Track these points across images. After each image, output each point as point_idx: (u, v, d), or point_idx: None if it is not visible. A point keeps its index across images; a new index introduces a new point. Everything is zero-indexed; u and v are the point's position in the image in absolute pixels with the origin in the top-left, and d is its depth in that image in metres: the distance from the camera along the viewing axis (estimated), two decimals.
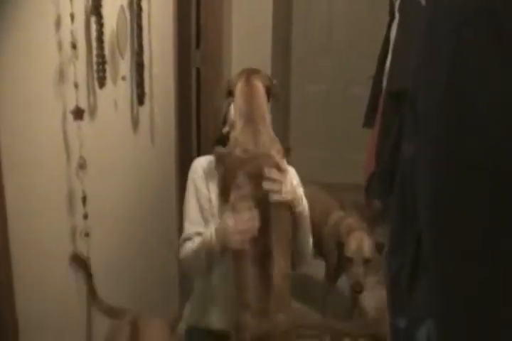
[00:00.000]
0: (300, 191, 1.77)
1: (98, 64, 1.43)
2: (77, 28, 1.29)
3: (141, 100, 1.83)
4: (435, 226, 0.64)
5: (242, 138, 1.58)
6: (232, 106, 1.75)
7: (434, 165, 0.63)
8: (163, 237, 2.31)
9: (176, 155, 2.43)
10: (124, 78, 1.65)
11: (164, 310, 2.43)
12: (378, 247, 2.17)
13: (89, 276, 1.40)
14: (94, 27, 1.40)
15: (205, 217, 1.68)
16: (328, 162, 4.51)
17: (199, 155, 2.92)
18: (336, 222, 2.39)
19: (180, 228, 1.76)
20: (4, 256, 1.08)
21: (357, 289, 2.10)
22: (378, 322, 2.24)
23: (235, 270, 1.51)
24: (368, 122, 2.94)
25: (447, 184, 0.61)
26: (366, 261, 2.13)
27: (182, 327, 1.88)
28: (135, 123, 1.84)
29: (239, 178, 1.52)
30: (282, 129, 4.20)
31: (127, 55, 1.69)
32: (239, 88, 1.67)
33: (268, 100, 1.69)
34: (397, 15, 2.54)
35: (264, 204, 1.50)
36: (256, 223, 1.47)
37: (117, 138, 1.70)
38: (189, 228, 1.68)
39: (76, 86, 1.28)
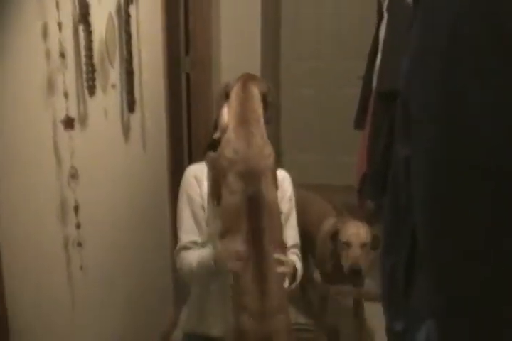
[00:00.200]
0: (292, 204, 1.77)
1: (87, 72, 1.43)
2: (65, 36, 1.28)
3: (131, 107, 1.82)
4: (434, 227, 0.64)
5: (234, 139, 1.58)
6: (223, 111, 1.75)
7: (431, 165, 0.62)
8: (156, 244, 2.31)
9: (167, 162, 2.42)
10: (113, 86, 1.65)
11: (159, 317, 2.42)
12: (374, 239, 2.15)
13: None
14: (82, 35, 1.39)
15: (199, 224, 1.68)
16: (320, 164, 4.52)
17: (191, 160, 2.92)
18: (328, 229, 2.35)
19: (174, 234, 1.76)
20: None
21: (356, 268, 2.07)
22: None
23: (232, 274, 1.50)
24: (359, 124, 2.96)
25: (446, 184, 0.61)
26: (362, 246, 2.11)
27: (178, 333, 1.88)
28: (126, 130, 1.84)
29: (229, 178, 1.52)
30: (273, 132, 4.20)
31: (116, 62, 1.69)
32: (235, 91, 1.66)
33: (264, 107, 1.68)
34: (385, 15, 2.55)
35: (255, 204, 1.49)
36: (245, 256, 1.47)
37: (109, 147, 1.69)
38: (184, 237, 1.67)
39: (66, 95, 1.28)
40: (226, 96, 1.70)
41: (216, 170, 1.61)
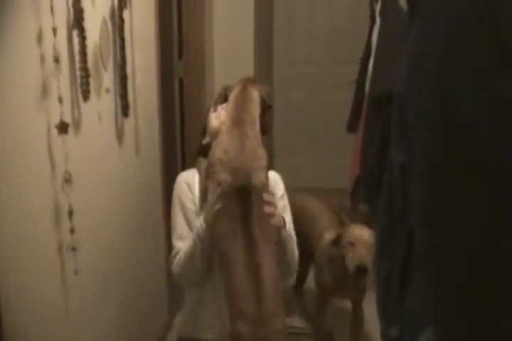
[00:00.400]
0: (285, 202, 1.77)
1: (82, 77, 1.43)
2: (59, 41, 1.29)
3: (125, 112, 1.82)
4: (431, 228, 0.64)
5: (227, 140, 1.57)
6: (211, 116, 1.75)
7: (429, 166, 0.63)
8: (150, 248, 2.30)
9: (160, 166, 2.42)
10: (107, 90, 1.65)
11: (153, 321, 2.41)
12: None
13: None
14: (76, 40, 1.40)
15: (192, 230, 1.67)
16: (312, 167, 4.52)
17: (184, 165, 2.92)
18: (329, 237, 2.32)
19: (168, 238, 1.76)
20: None
21: (362, 267, 2.04)
22: None
23: (226, 277, 1.49)
24: (352, 127, 2.96)
25: (443, 185, 0.61)
26: (367, 246, 2.06)
27: (173, 338, 1.87)
28: (120, 135, 1.84)
29: (218, 176, 1.52)
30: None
31: (110, 67, 1.69)
32: (234, 93, 1.66)
33: (262, 111, 1.68)
34: (378, 19, 2.56)
35: (245, 193, 1.49)
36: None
37: (102, 151, 1.69)
38: (179, 243, 1.67)
39: (60, 100, 1.28)
40: (225, 98, 1.69)
41: (207, 173, 1.61)
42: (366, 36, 2.84)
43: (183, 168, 2.80)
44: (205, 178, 1.62)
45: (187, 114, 2.97)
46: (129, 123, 1.91)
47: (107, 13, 1.65)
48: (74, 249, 1.39)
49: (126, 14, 1.79)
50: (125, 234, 1.94)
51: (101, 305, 1.71)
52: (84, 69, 1.43)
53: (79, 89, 1.44)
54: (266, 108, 1.71)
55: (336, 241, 2.20)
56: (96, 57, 1.56)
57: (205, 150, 1.74)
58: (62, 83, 1.31)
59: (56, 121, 1.28)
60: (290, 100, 4.46)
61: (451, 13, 0.58)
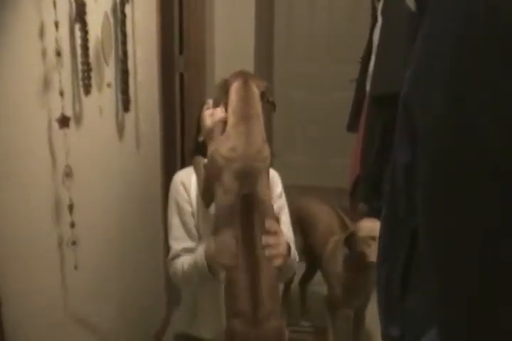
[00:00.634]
0: (283, 200, 1.76)
1: (83, 71, 1.43)
2: (61, 35, 1.28)
3: (126, 107, 1.82)
4: (434, 228, 0.64)
5: (233, 136, 1.54)
6: (205, 114, 1.73)
7: (432, 167, 0.63)
8: (150, 243, 2.30)
9: (161, 161, 2.42)
10: (109, 85, 1.64)
11: (152, 317, 2.41)
12: None
13: None
14: (78, 34, 1.39)
15: (189, 231, 1.67)
16: (312, 167, 4.52)
17: (183, 160, 2.92)
18: (337, 239, 2.26)
19: (167, 233, 1.75)
20: None
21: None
22: None
23: (225, 278, 1.49)
24: (352, 127, 2.97)
25: (445, 185, 0.61)
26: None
27: (171, 334, 1.87)
28: (120, 129, 1.83)
29: (224, 177, 1.48)
30: (265, 134, 4.20)
31: (112, 61, 1.69)
32: (235, 87, 1.62)
33: (262, 106, 1.65)
34: (379, 18, 2.56)
35: (249, 205, 1.47)
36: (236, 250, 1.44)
37: (103, 145, 1.69)
38: (175, 245, 1.66)
39: (61, 94, 1.27)
40: (226, 93, 1.65)
41: (209, 169, 1.59)
42: (367, 35, 2.84)
43: (183, 163, 2.80)
44: (208, 178, 1.60)
45: (187, 109, 2.97)
46: (129, 118, 1.91)
47: (108, 8, 1.65)
48: (74, 243, 1.38)
49: (128, 9, 1.78)
50: (125, 229, 1.94)
51: (100, 300, 1.71)
52: (86, 63, 1.43)
53: (80, 83, 1.43)
54: (264, 103, 1.69)
55: (349, 240, 2.10)
56: (98, 51, 1.55)
57: (200, 149, 1.73)
58: (64, 77, 1.31)
59: (57, 114, 1.27)
60: (290, 99, 4.45)
61: (461, 13, 0.58)
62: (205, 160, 1.71)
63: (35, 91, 1.23)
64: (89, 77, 1.45)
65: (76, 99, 1.43)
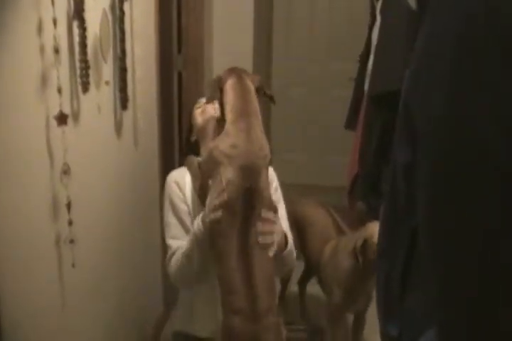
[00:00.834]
0: (279, 194, 1.76)
1: (81, 69, 1.42)
2: (59, 32, 1.28)
3: (124, 105, 1.81)
4: (434, 229, 0.64)
5: (233, 133, 1.52)
6: (196, 113, 1.73)
7: (432, 167, 0.63)
8: (147, 241, 2.30)
9: (159, 159, 2.41)
10: (107, 83, 1.64)
11: (150, 314, 2.41)
12: None
13: None
14: (76, 31, 1.39)
15: (186, 230, 1.66)
16: (310, 165, 4.52)
17: (181, 158, 2.91)
18: (332, 253, 2.21)
19: (164, 233, 1.75)
20: None
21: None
22: None
23: (220, 274, 1.49)
24: (350, 125, 2.96)
25: (445, 186, 0.61)
26: None
27: (169, 332, 1.87)
28: (118, 127, 1.83)
29: (226, 173, 1.47)
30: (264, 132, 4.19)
31: (110, 59, 1.68)
32: (230, 84, 1.60)
33: (259, 101, 1.63)
34: (378, 17, 2.56)
35: (251, 198, 1.46)
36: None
37: (101, 143, 1.69)
38: (173, 243, 1.66)
39: (59, 91, 1.27)
40: (220, 91, 1.63)
41: (208, 167, 1.57)
42: (366, 34, 2.84)
43: (181, 162, 2.80)
44: (205, 175, 1.59)
45: (185, 108, 2.96)
46: (127, 116, 1.91)
47: (107, 5, 1.64)
48: (72, 241, 1.38)
49: (126, 6, 1.78)
50: (123, 227, 1.94)
51: (98, 297, 1.71)
52: (84, 61, 1.42)
53: (78, 80, 1.43)
54: (261, 97, 1.68)
55: (364, 247, 1.99)
56: (96, 48, 1.55)
57: (193, 148, 1.73)
58: (62, 74, 1.30)
59: (55, 112, 1.27)
60: (289, 97, 4.45)
61: (461, 13, 0.57)
62: (199, 159, 1.71)
63: (33, 89, 1.23)
64: (87, 75, 1.45)
65: (74, 97, 1.42)
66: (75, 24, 1.38)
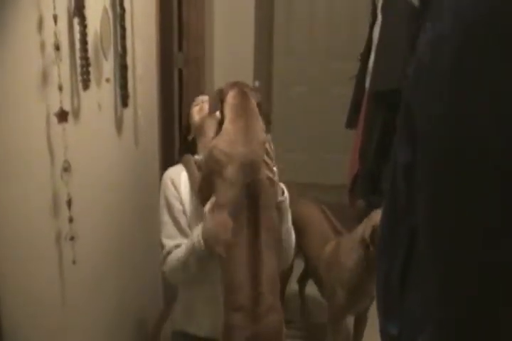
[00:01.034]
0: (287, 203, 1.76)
1: (82, 66, 1.42)
2: (60, 29, 1.27)
3: (125, 102, 1.81)
4: (434, 228, 0.64)
5: (231, 132, 1.54)
6: (193, 111, 1.75)
7: (432, 166, 0.63)
8: (147, 238, 2.30)
9: (159, 156, 2.42)
10: (108, 80, 1.64)
11: (149, 312, 2.41)
12: None
13: None
14: (77, 28, 1.39)
15: (181, 229, 1.66)
16: (311, 163, 4.52)
17: (179, 157, 2.92)
18: (333, 251, 2.16)
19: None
20: None
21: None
22: None
23: (225, 272, 1.49)
24: (351, 123, 2.97)
25: (444, 185, 0.61)
26: None
27: (168, 330, 1.87)
28: (119, 125, 1.83)
29: (226, 172, 1.48)
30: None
31: (110, 56, 1.68)
32: (231, 95, 1.62)
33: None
34: (379, 16, 2.56)
35: (254, 193, 1.48)
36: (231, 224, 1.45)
37: (101, 141, 1.69)
38: (168, 242, 1.66)
39: (60, 88, 1.27)
40: (221, 102, 1.65)
41: (208, 166, 1.58)
42: (366, 32, 2.84)
43: (178, 161, 2.80)
44: (205, 175, 1.60)
45: (186, 105, 2.96)
46: (128, 114, 1.91)
47: (107, 2, 1.64)
48: (72, 238, 1.38)
49: (127, 3, 1.77)
50: (123, 224, 1.94)
51: (98, 295, 1.71)
52: (85, 58, 1.42)
53: (79, 77, 1.42)
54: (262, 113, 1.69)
55: (373, 236, 1.92)
56: (96, 46, 1.55)
57: (190, 147, 1.75)
58: (63, 71, 1.30)
59: (56, 109, 1.27)
60: (289, 95, 4.45)
61: (463, 12, 0.57)
62: (196, 157, 1.71)
63: (33, 86, 1.23)
64: (87, 72, 1.44)
65: (74, 94, 1.42)
66: (76, 21, 1.38)
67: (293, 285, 2.75)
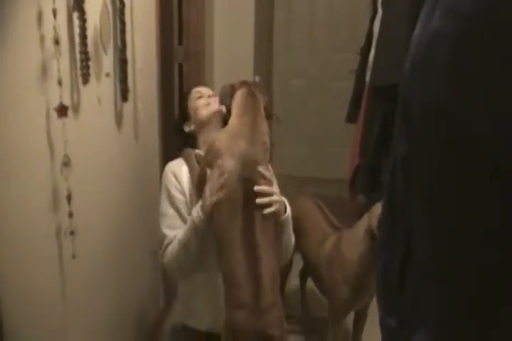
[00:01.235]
0: (276, 187, 1.76)
1: (82, 60, 1.42)
2: (59, 23, 1.27)
3: (124, 97, 1.81)
4: (432, 227, 0.64)
5: (238, 126, 1.56)
6: (198, 103, 1.77)
7: (431, 164, 0.63)
8: (147, 233, 2.30)
9: (159, 151, 2.41)
10: (108, 75, 1.63)
11: (150, 308, 2.42)
12: None
13: None
14: (77, 23, 1.38)
15: (184, 220, 1.67)
16: (311, 157, 4.52)
17: (178, 152, 2.91)
18: (334, 248, 2.12)
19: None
20: None
21: None
22: None
23: (225, 268, 1.49)
24: (351, 118, 2.96)
25: (447, 184, 0.61)
26: None
27: (168, 325, 1.88)
28: (119, 119, 1.83)
29: (224, 163, 1.49)
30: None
31: (110, 50, 1.67)
32: (241, 93, 1.65)
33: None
34: (379, 10, 2.55)
35: (249, 196, 1.48)
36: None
37: (101, 135, 1.68)
38: (169, 232, 1.67)
39: (60, 82, 1.26)
40: (231, 96, 1.68)
41: (209, 159, 1.57)
42: (367, 24, 2.83)
43: (178, 155, 2.80)
44: (204, 166, 1.60)
45: (185, 99, 2.96)
46: (128, 108, 1.90)
47: None
48: (72, 233, 1.38)
49: None
50: (123, 219, 1.94)
51: (98, 289, 1.71)
52: (84, 52, 1.42)
53: (79, 72, 1.42)
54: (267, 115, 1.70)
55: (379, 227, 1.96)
56: (96, 40, 1.54)
57: (189, 141, 1.76)
58: (62, 66, 1.30)
59: (55, 104, 1.27)
60: (289, 88, 4.44)
61: (459, 8, 0.57)
62: (197, 151, 1.71)
63: (33, 80, 1.22)
64: (87, 67, 1.44)
65: (74, 88, 1.42)
66: (75, 15, 1.37)
67: (293, 281, 2.75)
